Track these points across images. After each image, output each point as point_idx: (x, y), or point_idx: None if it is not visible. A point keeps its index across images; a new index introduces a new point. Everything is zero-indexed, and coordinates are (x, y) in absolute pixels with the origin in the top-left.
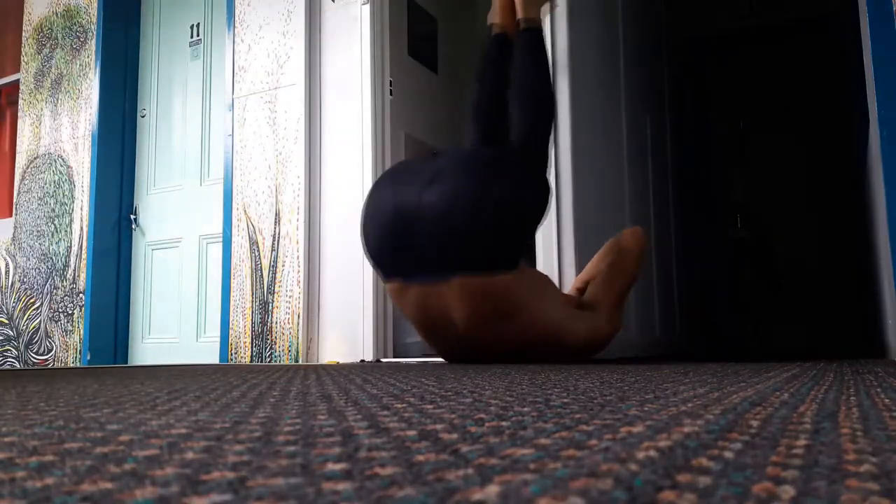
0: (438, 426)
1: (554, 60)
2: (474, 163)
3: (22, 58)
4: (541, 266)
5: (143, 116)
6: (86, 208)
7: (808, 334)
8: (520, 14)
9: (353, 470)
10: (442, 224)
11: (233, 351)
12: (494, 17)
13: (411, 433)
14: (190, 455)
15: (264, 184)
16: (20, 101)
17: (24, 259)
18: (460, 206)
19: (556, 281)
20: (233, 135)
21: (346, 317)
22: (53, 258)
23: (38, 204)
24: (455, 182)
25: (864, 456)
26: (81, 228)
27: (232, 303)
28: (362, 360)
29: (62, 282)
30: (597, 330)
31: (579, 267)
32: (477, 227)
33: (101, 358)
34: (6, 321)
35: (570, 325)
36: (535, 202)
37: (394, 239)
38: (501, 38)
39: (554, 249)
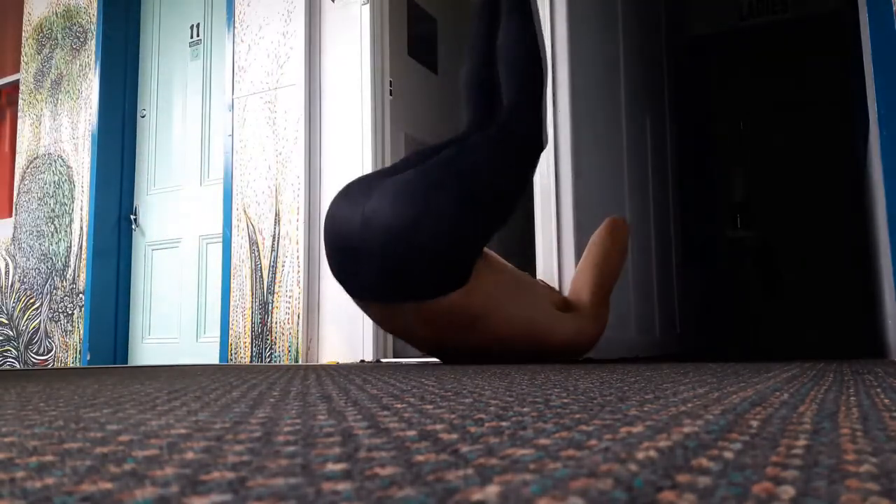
0: (438, 426)
1: (554, 60)
2: (415, 184)
3: (22, 58)
4: (540, 267)
5: (143, 116)
6: (86, 208)
7: (809, 334)
8: None
9: (353, 470)
10: (378, 253)
11: (233, 351)
12: None
13: (411, 433)
14: (190, 455)
15: (264, 184)
16: (20, 102)
17: (24, 259)
18: (395, 235)
19: (555, 281)
20: (233, 135)
21: (346, 317)
22: (53, 258)
23: (38, 204)
24: (391, 209)
25: (864, 456)
26: (81, 228)
27: (232, 303)
28: (362, 361)
29: (62, 282)
30: (581, 330)
31: None
32: (413, 257)
33: (101, 358)
34: (6, 321)
35: (552, 325)
36: (495, 204)
37: (342, 259)
38: (489, 3)
39: (554, 250)
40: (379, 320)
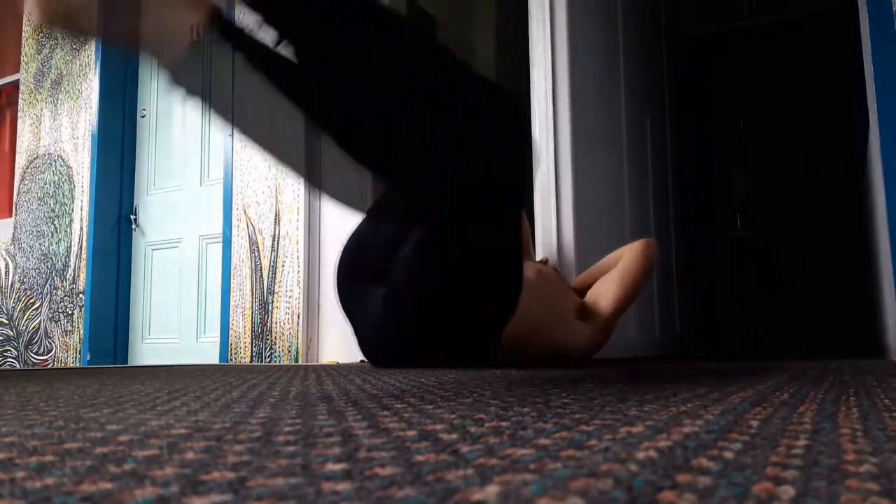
0: (438, 426)
1: (554, 60)
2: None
3: (22, 58)
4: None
5: (143, 116)
6: (86, 208)
7: (809, 334)
8: None
9: (353, 470)
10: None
11: (233, 351)
12: None
13: (411, 433)
14: (190, 455)
15: (264, 184)
16: (20, 102)
17: (24, 259)
18: (414, 357)
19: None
20: (233, 135)
21: None
22: (53, 258)
23: (38, 204)
24: (398, 342)
25: (864, 456)
26: (81, 228)
27: (232, 303)
28: (362, 361)
29: (62, 282)
30: (592, 339)
31: (579, 267)
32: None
33: (101, 358)
34: (6, 321)
35: (573, 341)
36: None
37: (359, 333)
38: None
39: (554, 249)
40: None
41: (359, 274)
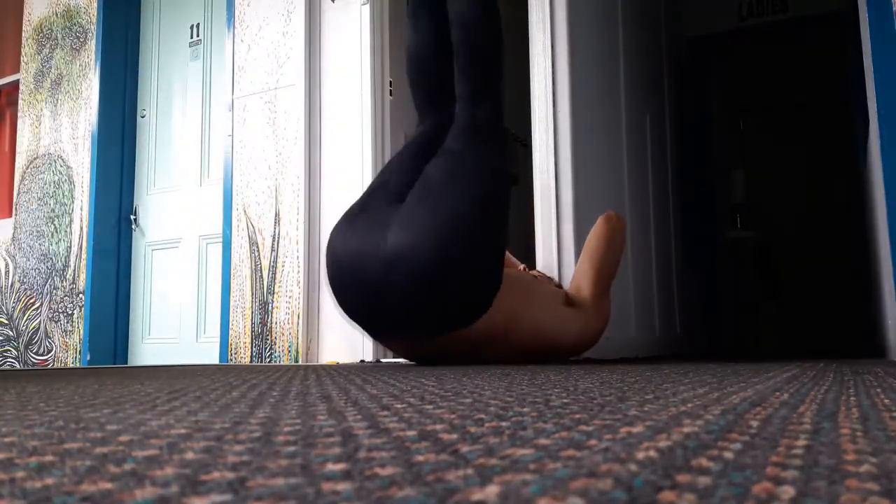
0: (438, 426)
1: (554, 59)
2: (431, 216)
3: (22, 58)
4: (540, 268)
5: (143, 117)
6: (86, 208)
7: (809, 334)
8: None
9: (353, 470)
10: (407, 296)
11: (232, 351)
12: None
13: (411, 433)
14: (190, 455)
15: (264, 184)
16: (20, 102)
17: (24, 259)
18: (426, 279)
19: (555, 281)
20: (233, 135)
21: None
22: (53, 258)
23: (38, 204)
24: (415, 250)
25: (863, 456)
26: (81, 228)
27: (232, 303)
28: (362, 361)
29: (62, 282)
30: (587, 326)
31: None
32: (446, 296)
33: (101, 358)
34: (6, 321)
35: (562, 327)
36: (498, 214)
37: (359, 300)
38: None
39: (554, 249)
40: (402, 351)
41: (372, 206)
